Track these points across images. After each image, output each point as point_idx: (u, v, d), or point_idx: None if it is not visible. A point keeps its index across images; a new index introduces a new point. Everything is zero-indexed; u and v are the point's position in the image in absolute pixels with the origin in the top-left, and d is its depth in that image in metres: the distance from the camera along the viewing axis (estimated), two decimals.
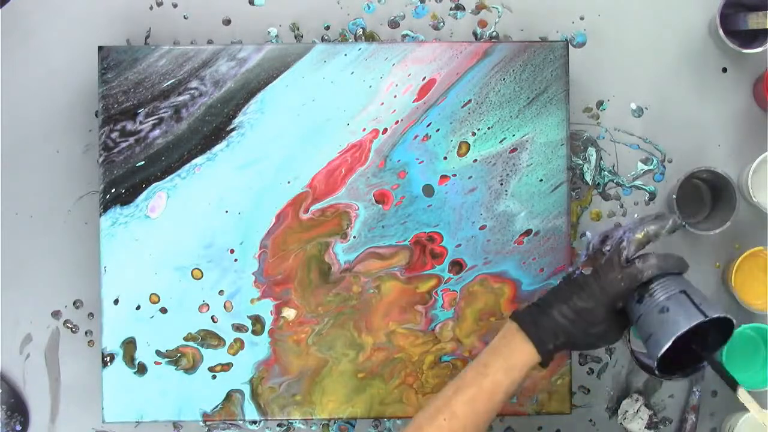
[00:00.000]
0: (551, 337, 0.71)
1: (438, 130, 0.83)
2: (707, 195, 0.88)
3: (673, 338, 0.66)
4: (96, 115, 0.85)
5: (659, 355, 0.67)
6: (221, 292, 0.83)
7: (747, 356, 0.85)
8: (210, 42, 0.88)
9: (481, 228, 0.83)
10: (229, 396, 0.83)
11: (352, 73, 0.83)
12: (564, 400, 0.83)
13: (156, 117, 0.83)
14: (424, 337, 0.83)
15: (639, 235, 0.70)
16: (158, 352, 0.83)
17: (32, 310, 0.88)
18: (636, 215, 0.88)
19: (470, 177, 0.83)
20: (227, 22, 0.88)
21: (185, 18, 0.88)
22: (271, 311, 0.83)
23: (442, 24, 0.88)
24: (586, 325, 0.70)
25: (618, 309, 0.71)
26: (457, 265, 0.83)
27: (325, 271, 0.83)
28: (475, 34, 0.88)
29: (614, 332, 0.72)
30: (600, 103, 0.88)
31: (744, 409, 0.86)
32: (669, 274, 0.70)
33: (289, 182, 0.83)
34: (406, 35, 0.88)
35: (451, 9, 0.88)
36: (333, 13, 0.88)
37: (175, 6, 0.88)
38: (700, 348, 0.70)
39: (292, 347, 0.83)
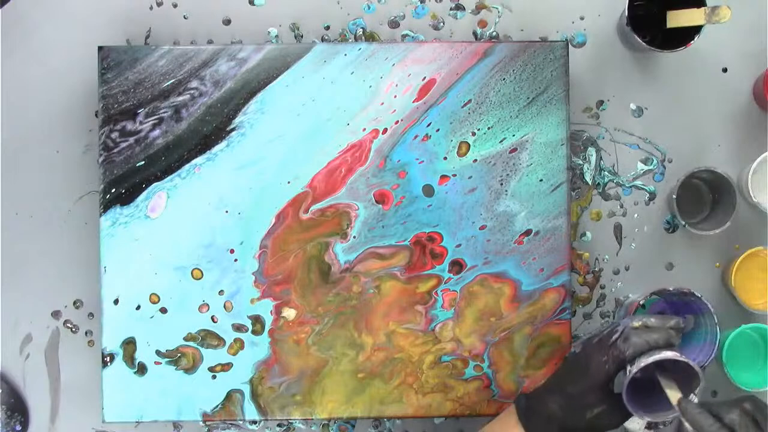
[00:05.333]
0: (543, 425, 0.69)
1: (438, 130, 0.83)
2: (707, 195, 0.88)
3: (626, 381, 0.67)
4: (96, 115, 0.85)
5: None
6: (221, 292, 0.83)
7: (747, 356, 0.85)
8: (210, 42, 0.88)
9: (481, 228, 0.83)
10: (229, 396, 0.83)
11: (352, 73, 0.83)
12: None
13: (156, 117, 0.83)
14: (424, 337, 0.83)
15: (636, 324, 0.69)
16: (158, 352, 0.83)
17: (32, 310, 0.88)
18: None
19: (470, 177, 0.83)
20: (227, 22, 0.88)
21: (185, 18, 0.88)
22: (271, 311, 0.83)
23: (442, 24, 0.88)
24: (581, 410, 0.69)
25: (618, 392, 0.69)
26: (457, 265, 0.83)
27: (325, 271, 0.83)
28: (475, 34, 0.88)
29: (615, 416, 0.69)
30: (600, 103, 0.88)
31: None
32: (657, 350, 0.68)
33: (289, 182, 0.83)
34: (406, 35, 0.88)
35: (451, 9, 0.88)
36: (333, 13, 0.88)
37: (175, 6, 0.88)
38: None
39: (292, 347, 0.83)
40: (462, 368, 0.83)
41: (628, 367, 0.68)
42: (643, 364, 0.67)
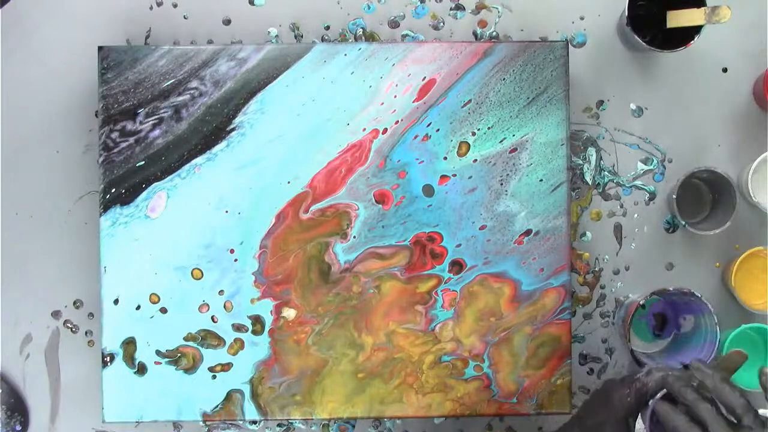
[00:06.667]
0: None
1: (438, 130, 0.83)
2: (707, 195, 0.88)
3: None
4: (96, 115, 0.85)
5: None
6: (221, 292, 0.83)
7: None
8: (210, 42, 0.88)
9: (481, 228, 0.83)
10: (229, 396, 0.83)
11: (352, 73, 0.83)
12: (564, 400, 0.83)
13: (156, 117, 0.83)
14: (424, 337, 0.83)
15: (661, 372, 0.70)
16: (158, 352, 0.83)
17: (32, 310, 0.88)
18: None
19: (470, 177, 0.83)
20: (227, 22, 0.88)
21: (185, 18, 0.88)
22: (271, 311, 0.83)
23: (442, 24, 0.88)
24: None
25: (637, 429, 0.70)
26: (457, 265, 0.83)
27: (325, 271, 0.83)
28: (475, 34, 0.88)
29: None
30: (600, 103, 0.88)
31: None
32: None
33: (289, 182, 0.83)
34: (406, 35, 0.88)
35: (451, 9, 0.88)
36: (333, 13, 0.88)
37: (175, 6, 0.88)
38: None
39: (292, 347, 0.83)
40: (462, 368, 0.83)
41: (651, 402, 0.69)
42: (664, 392, 0.68)
